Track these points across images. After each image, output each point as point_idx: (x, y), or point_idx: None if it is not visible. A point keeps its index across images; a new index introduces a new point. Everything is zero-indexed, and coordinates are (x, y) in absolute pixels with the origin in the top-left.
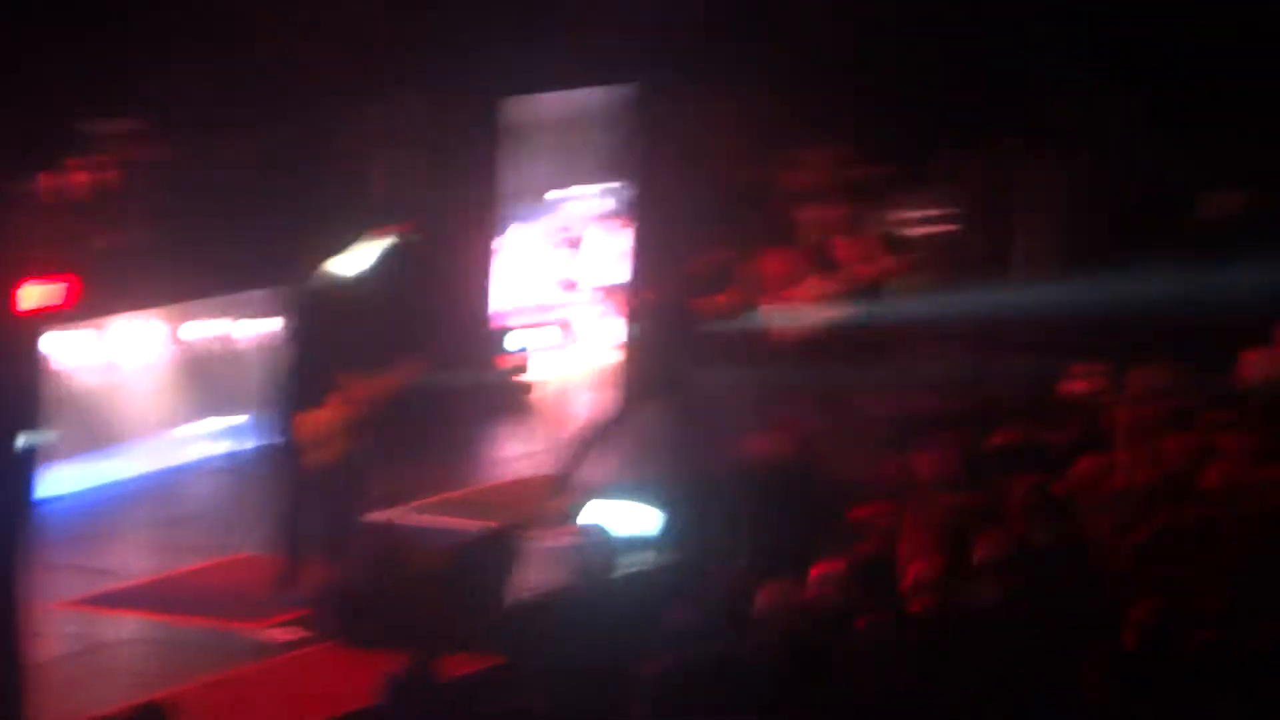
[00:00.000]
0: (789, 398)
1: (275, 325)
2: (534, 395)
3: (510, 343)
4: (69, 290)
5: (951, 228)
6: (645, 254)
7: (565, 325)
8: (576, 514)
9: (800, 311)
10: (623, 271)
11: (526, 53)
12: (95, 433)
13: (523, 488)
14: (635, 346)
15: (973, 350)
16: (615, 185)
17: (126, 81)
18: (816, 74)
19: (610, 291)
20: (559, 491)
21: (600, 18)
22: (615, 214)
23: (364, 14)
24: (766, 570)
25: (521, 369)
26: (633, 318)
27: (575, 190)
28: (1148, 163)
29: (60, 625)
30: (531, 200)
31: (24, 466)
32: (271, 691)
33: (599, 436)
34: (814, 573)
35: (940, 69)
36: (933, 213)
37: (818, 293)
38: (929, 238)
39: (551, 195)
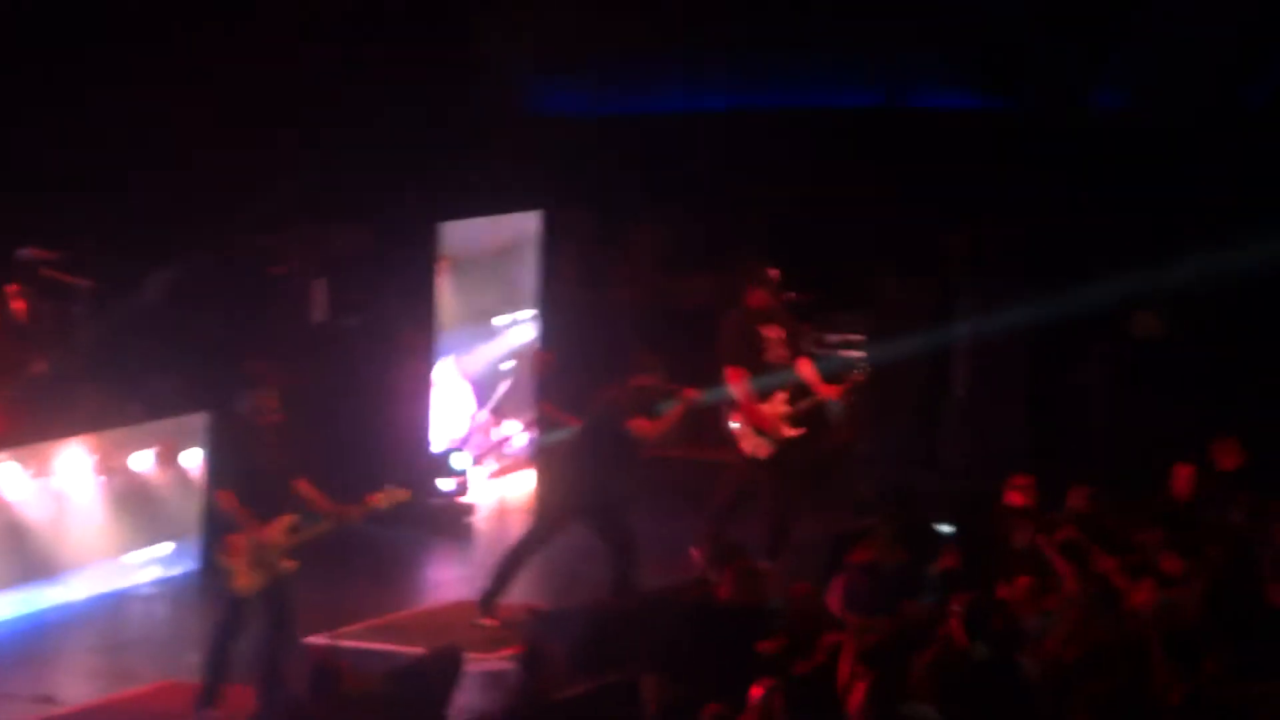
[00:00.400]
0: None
1: (207, 450)
2: (474, 517)
3: (450, 464)
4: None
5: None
6: (560, 378)
7: (499, 448)
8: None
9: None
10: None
11: (456, 182)
12: (28, 562)
13: (461, 610)
14: (555, 469)
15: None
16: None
17: (56, 210)
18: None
19: (537, 417)
20: (492, 613)
21: (514, 149)
22: (537, 340)
23: (299, 147)
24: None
25: (462, 491)
26: (547, 440)
27: (505, 319)
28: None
29: None
30: (465, 327)
31: None
32: None
33: (526, 557)
34: (754, 693)
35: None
36: (858, 336)
37: (770, 411)
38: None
39: (483, 323)
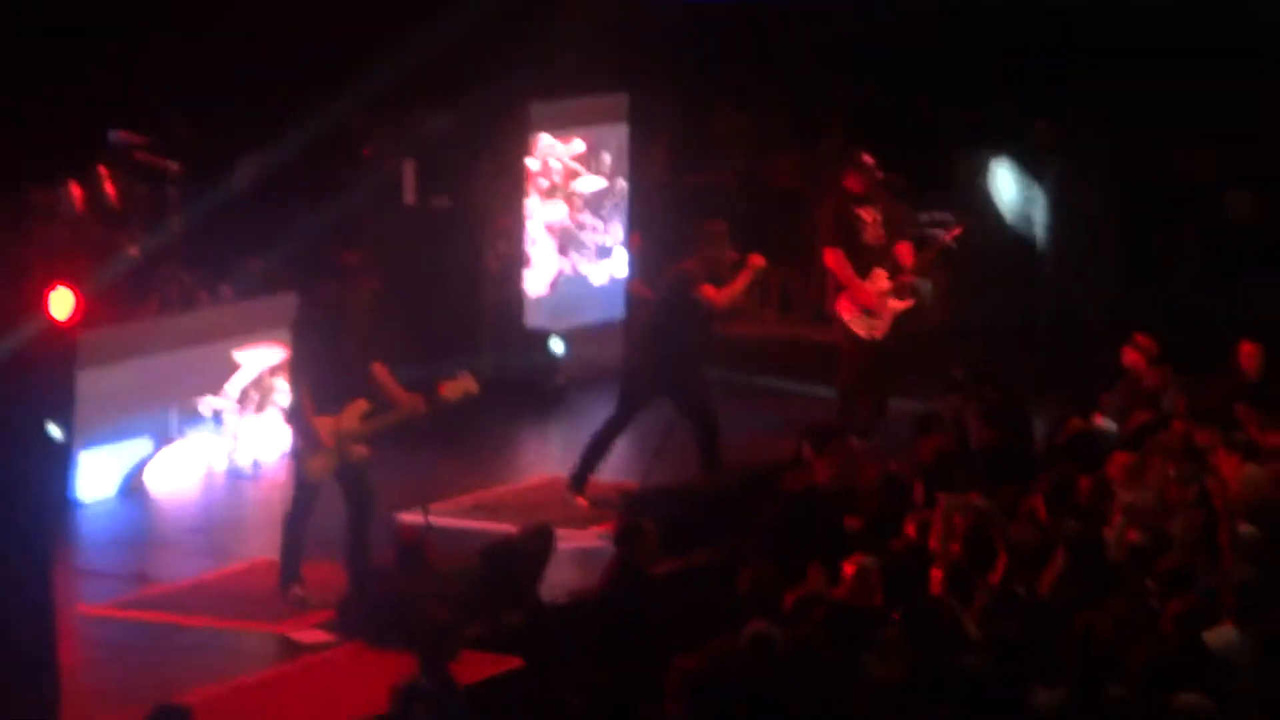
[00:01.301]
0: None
1: (293, 333)
2: (565, 393)
3: (542, 340)
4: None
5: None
6: (649, 251)
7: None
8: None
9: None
10: (633, 274)
11: (544, 64)
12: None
13: (552, 488)
14: (636, 346)
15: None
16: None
17: (148, 94)
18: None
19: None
20: (582, 491)
21: (601, 31)
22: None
23: (385, 28)
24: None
25: (554, 367)
26: (637, 314)
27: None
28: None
29: (91, 629)
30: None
31: (58, 468)
32: (296, 694)
33: (613, 435)
34: (847, 569)
35: (943, 75)
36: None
37: (874, 290)
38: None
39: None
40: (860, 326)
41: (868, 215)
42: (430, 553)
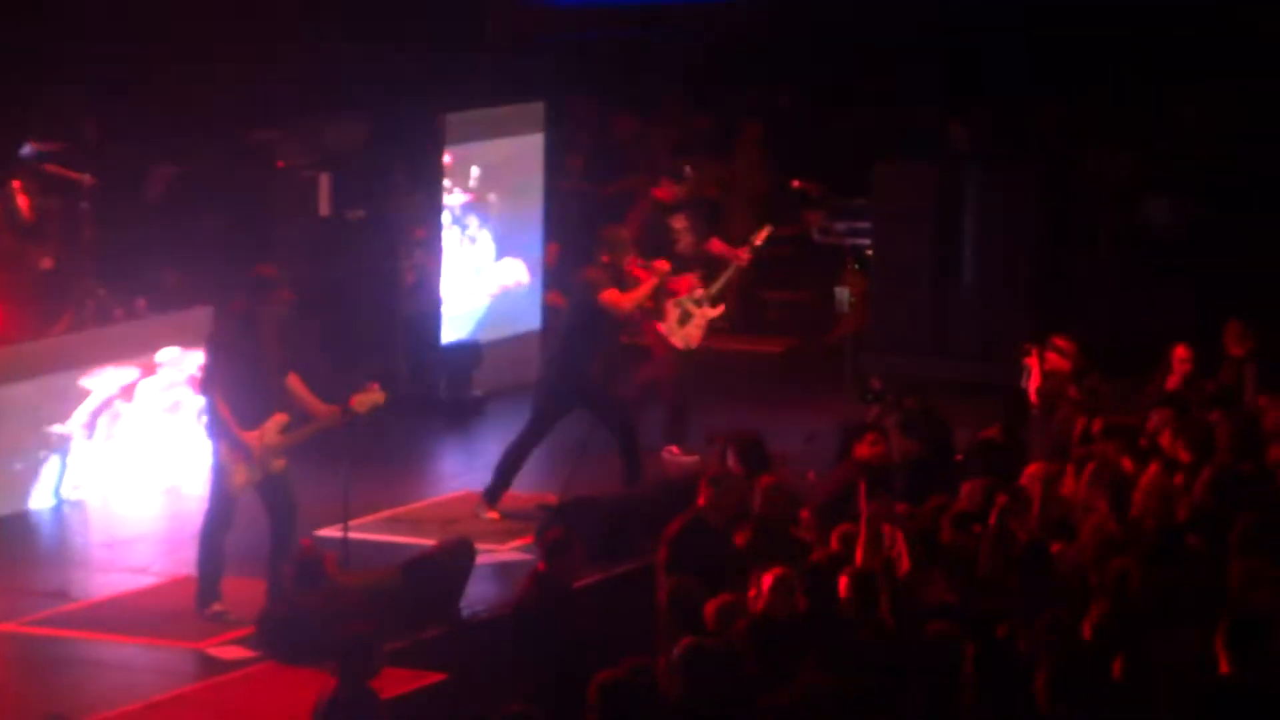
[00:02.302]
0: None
1: (208, 346)
2: (483, 405)
3: (456, 351)
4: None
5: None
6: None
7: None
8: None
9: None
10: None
11: (458, 73)
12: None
13: (472, 502)
14: (549, 355)
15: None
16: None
17: (59, 105)
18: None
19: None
20: (495, 506)
21: (515, 40)
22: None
23: (300, 38)
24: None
25: (467, 378)
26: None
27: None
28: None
29: (6, 646)
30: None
31: None
32: (215, 711)
33: (528, 448)
34: (765, 581)
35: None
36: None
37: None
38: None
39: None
40: (676, 338)
41: (679, 224)
42: (329, 568)
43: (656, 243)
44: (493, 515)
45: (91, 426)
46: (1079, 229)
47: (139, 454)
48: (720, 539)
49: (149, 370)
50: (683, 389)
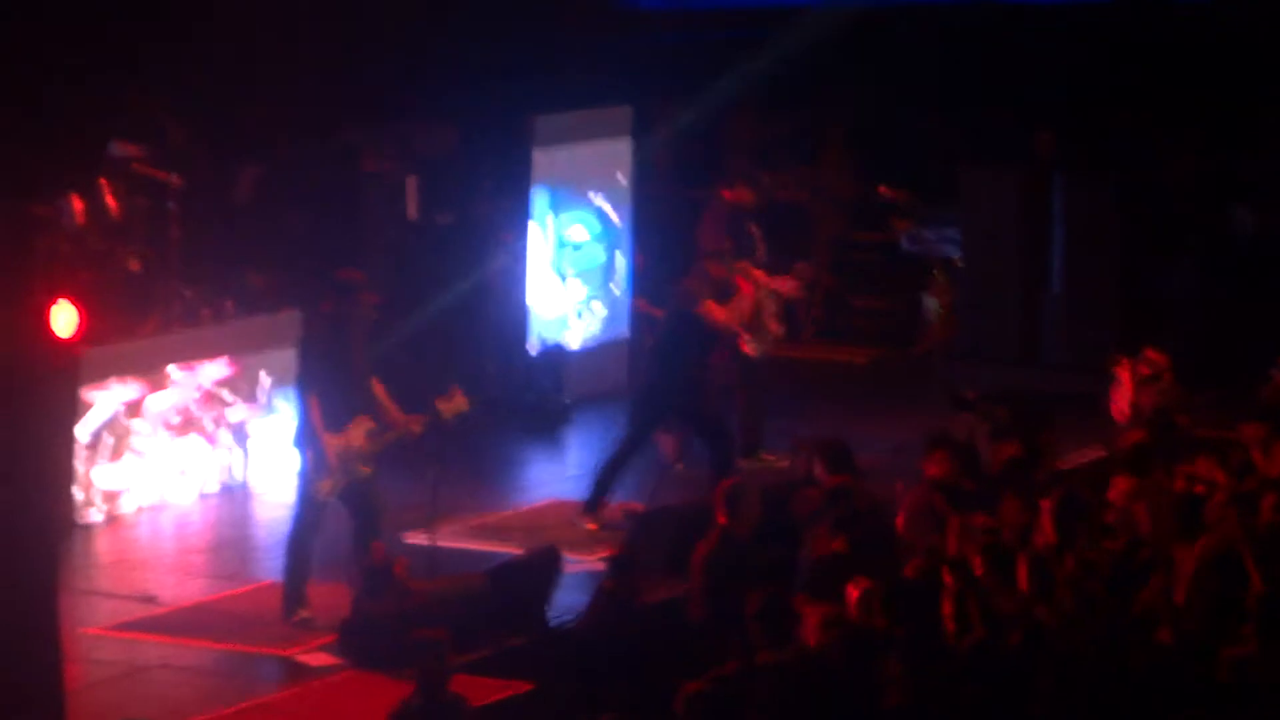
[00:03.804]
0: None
1: (297, 349)
2: (571, 413)
3: (544, 357)
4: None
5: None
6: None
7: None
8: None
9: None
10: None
11: (546, 76)
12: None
13: (559, 510)
14: (645, 365)
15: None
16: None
17: (149, 106)
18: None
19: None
20: (595, 516)
21: (604, 43)
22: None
23: (389, 39)
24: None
25: (557, 387)
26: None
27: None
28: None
29: (96, 651)
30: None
31: (61, 487)
32: (298, 718)
33: (625, 457)
34: (851, 593)
35: (952, 94)
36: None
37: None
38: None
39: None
40: (750, 345)
41: (754, 230)
42: (400, 573)
43: (733, 249)
44: (592, 526)
45: (95, 446)
46: (1167, 238)
47: (148, 468)
48: (750, 552)
49: (157, 385)
50: (758, 397)
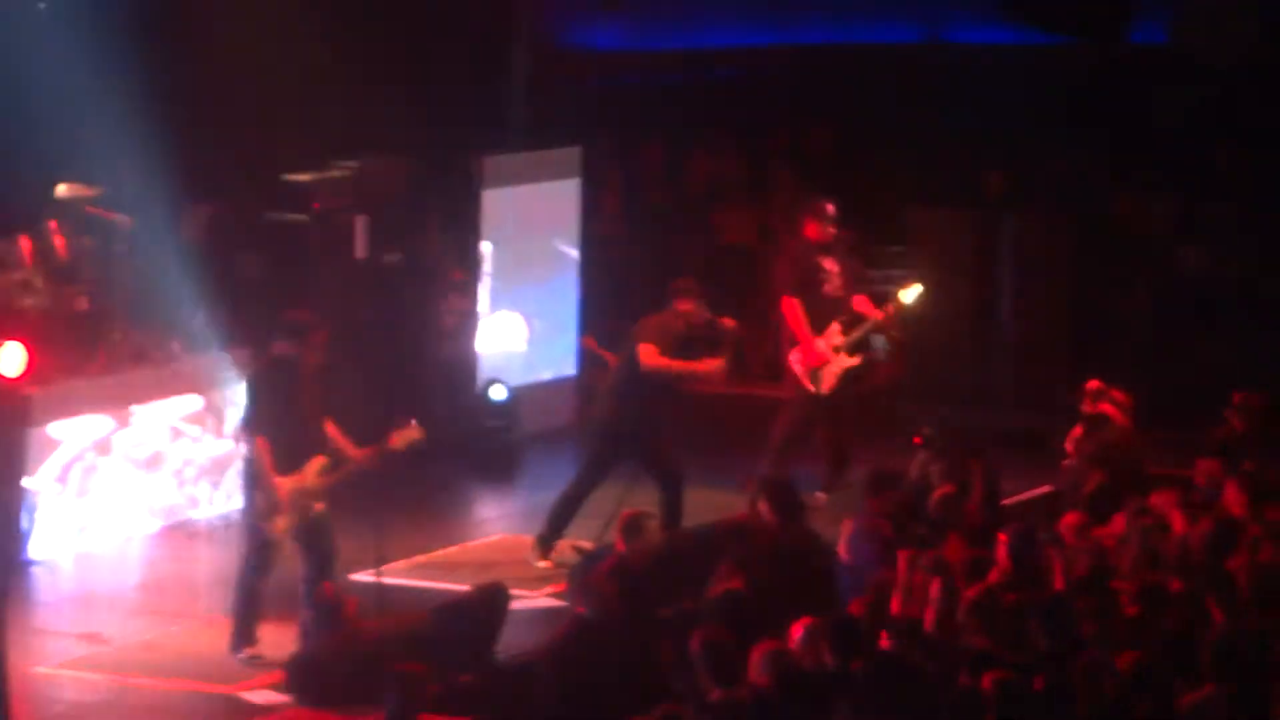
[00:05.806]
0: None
1: (244, 390)
2: (519, 450)
3: (493, 393)
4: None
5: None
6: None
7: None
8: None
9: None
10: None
11: (495, 117)
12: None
13: (507, 547)
14: (598, 405)
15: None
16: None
17: (96, 147)
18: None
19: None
20: (548, 555)
21: (553, 83)
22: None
23: (337, 81)
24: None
25: (506, 422)
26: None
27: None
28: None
29: (43, 690)
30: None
31: (10, 526)
32: None
33: (579, 496)
34: (795, 631)
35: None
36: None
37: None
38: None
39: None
40: (807, 380)
41: (830, 265)
42: (349, 612)
43: (804, 282)
44: (546, 564)
45: (63, 481)
46: (1117, 276)
47: (115, 506)
48: (644, 580)
49: (123, 421)
50: (839, 435)
